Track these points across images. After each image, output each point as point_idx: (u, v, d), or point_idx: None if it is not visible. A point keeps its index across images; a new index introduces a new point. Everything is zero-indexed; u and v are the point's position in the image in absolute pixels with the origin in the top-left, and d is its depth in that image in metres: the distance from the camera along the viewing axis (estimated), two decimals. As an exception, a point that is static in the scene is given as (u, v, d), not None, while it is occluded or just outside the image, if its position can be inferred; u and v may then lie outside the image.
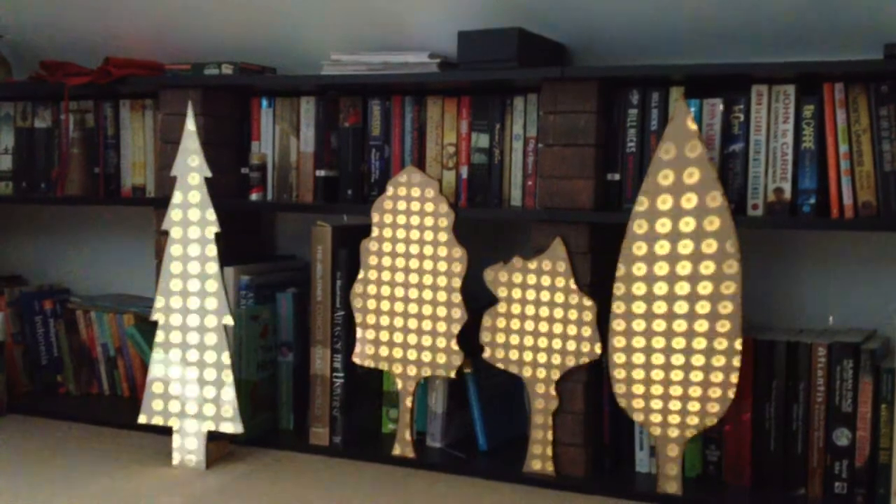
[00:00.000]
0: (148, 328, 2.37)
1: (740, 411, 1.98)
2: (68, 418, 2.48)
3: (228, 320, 2.11)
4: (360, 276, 2.18)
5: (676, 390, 1.92)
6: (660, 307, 1.91)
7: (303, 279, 2.37)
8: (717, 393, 1.90)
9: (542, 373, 2.04)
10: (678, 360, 1.91)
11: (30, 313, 2.69)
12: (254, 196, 2.39)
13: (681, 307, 1.90)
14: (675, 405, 1.93)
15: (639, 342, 1.94)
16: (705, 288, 1.88)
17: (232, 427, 2.11)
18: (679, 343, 1.91)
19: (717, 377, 1.89)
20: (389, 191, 2.15)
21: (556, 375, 2.03)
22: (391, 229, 2.15)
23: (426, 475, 2.11)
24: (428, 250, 2.12)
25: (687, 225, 1.89)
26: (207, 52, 2.55)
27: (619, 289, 1.95)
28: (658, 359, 1.93)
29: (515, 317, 2.06)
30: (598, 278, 2.04)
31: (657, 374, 1.93)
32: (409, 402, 2.17)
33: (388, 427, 2.34)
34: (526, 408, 2.17)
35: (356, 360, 2.21)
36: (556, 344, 2.03)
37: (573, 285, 2.01)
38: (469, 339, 2.12)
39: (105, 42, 2.62)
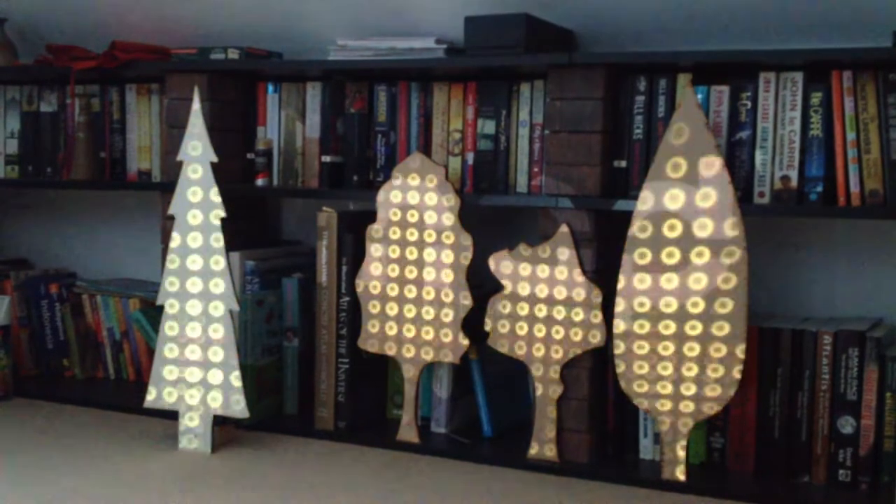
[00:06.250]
0: (153, 312, 2.38)
1: (745, 399, 1.98)
2: (74, 402, 2.49)
3: (234, 305, 2.11)
4: (366, 261, 2.18)
5: (685, 374, 1.92)
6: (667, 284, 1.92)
7: (308, 264, 2.37)
8: (724, 379, 1.90)
9: (546, 359, 2.05)
10: (687, 345, 1.91)
11: (36, 297, 2.70)
12: (259, 181, 2.39)
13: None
14: (680, 390, 1.93)
15: (643, 327, 1.94)
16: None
17: (237, 411, 2.12)
18: (691, 324, 1.91)
19: (724, 363, 1.89)
20: (395, 177, 2.15)
21: (560, 362, 2.03)
22: (397, 215, 2.15)
23: (430, 461, 2.11)
24: (433, 236, 2.12)
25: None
26: (214, 36, 2.55)
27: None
28: (666, 345, 1.93)
29: (521, 303, 2.06)
30: (603, 265, 2.04)
31: (664, 358, 1.93)
32: (413, 387, 2.17)
33: (393, 412, 2.34)
34: (530, 394, 2.17)
35: (361, 345, 2.21)
36: (561, 330, 2.03)
37: (579, 272, 2.01)
38: (474, 325, 2.12)
39: (111, 26, 2.62)
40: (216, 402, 2.12)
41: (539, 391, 2.06)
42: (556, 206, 2.04)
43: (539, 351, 2.05)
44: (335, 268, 2.23)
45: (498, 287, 2.09)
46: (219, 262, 2.11)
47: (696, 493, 1.93)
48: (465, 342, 2.12)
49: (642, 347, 1.94)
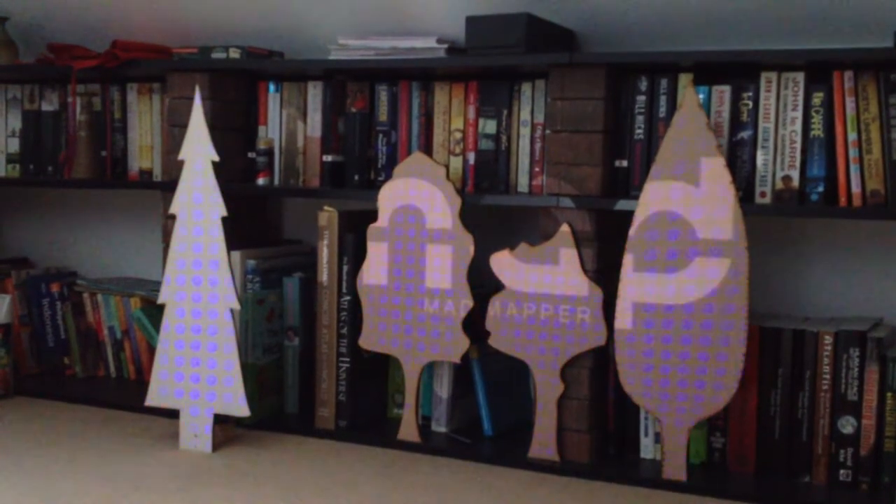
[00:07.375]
0: (154, 311, 2.38)
1: (746, 399, 1.98)
2: (74, 401, 2.49)
3: (235, 304, 2.11)
4: (367, 260, 2.18)
5: (685, 374, 1.92)
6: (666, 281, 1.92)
7: (309, 264, 2.38)
8: (725, 378, 1.90)
9: (547, 358, 2.05)
10: (688, 344, 1.92)
11: (37, 296, 2.70)
12: (260, 180, 2.39)
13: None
14: (680, 389, 1.93)
15: (644, 326, 1.94)
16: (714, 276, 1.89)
17: (238, 410, 2.12)
18: (691, 324, 1.91)
19: (725, 363, 1.89)
20: (396, 176, 2.15)
21: (561, 361, 2.04)
22: (398, 214, 2.15)
23: (431, 460, 2.11)
24: (434, 236, 2.12)
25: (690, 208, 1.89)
26: (215, 35, 2.55)
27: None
28: (666, 344, 1.93)
29: (521, 303, 2.06)
30: (603, 265, 2.04)
31: (664, 358, 1.93)
32: (414, 386, 2.17)
33: (394, 412, 2.34)
34: (531, 394, 2.17)
35: (362, 344, 2.21)
36: (562, 330, 2.03)
37: (580, 271, 2.01)
38: (475, 324, 2.12)
39: (112, 25, 2.62)
40: (217, 400, 2.12)
41: (540, 390, 2.06)
42: (557, 205, 2.04)
43: (540, 350, 2.05)
44: (336, 267, 2.23)
45: (498, 287, 2.09)
46: (220, 261, 2.11)
47: (697, 493, 1.93)
48: (466, 341, 2.12)
49: (643, 347, 1.94)
